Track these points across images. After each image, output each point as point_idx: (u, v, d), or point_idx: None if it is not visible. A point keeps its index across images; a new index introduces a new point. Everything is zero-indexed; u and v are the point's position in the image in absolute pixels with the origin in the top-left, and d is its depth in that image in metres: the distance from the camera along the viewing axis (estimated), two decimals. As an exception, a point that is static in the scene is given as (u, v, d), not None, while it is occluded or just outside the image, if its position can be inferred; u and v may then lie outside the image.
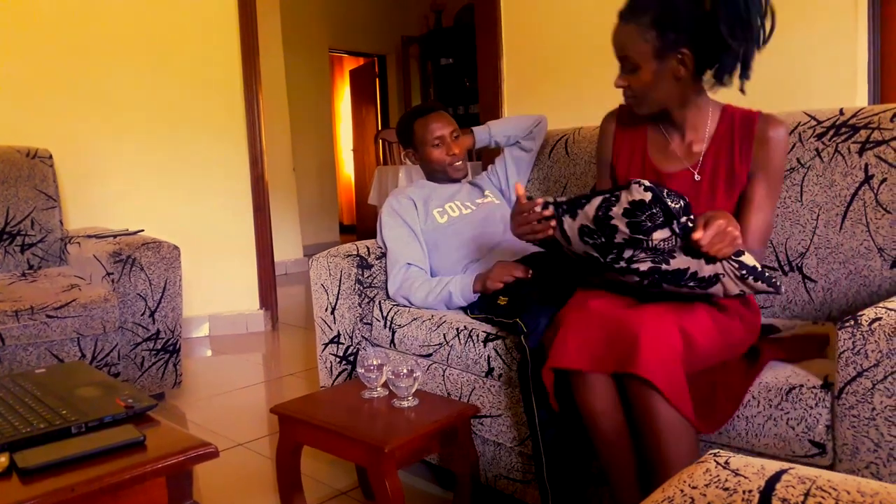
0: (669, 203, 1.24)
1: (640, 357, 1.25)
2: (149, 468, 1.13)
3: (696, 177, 1.51)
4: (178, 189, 3.68)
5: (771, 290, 1.32)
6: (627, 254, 1.34)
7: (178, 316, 2.67)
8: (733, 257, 1.28)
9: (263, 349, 3.62)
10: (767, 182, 1.47)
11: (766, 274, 1.31)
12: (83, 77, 3.41)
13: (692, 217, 1.27)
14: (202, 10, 3.67)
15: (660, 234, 1.28)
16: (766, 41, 1.40)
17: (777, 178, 1.48)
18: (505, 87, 3.56)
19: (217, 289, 3.80)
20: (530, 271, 1.81)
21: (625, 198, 1.27)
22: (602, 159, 1.71)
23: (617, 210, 1.28)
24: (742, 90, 1.42)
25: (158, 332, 2.61)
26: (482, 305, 1.88)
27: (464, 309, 1.97)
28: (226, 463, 2.13)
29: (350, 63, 8.82)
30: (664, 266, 1.32)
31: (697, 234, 1.24)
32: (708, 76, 1.46)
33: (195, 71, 3.67)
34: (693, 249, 1.28)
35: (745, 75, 1.40)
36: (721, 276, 1.31)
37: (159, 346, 2.61)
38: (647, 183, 1.25)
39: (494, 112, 3.57)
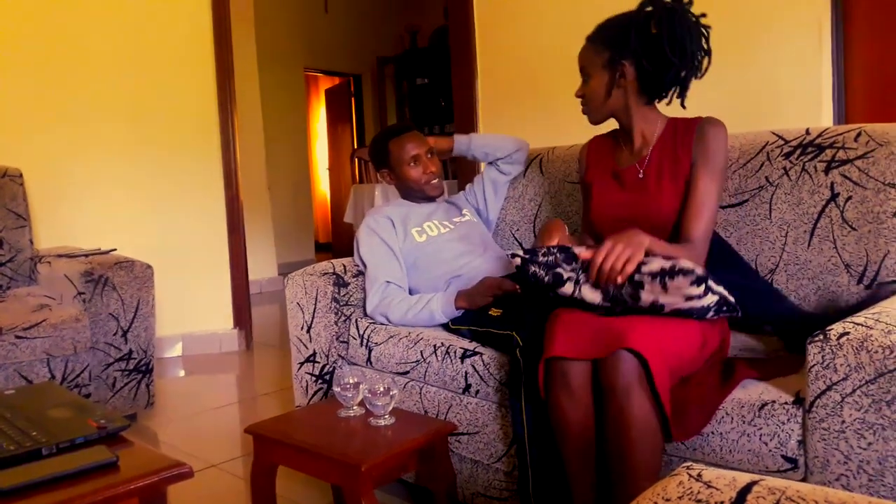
0: (541, 259, 1.48)
1: (631, 337, 1.31)
2: (122, 489, 1.12)
3: (640, 174, 1.69)
4: (152, 208, 3.65)
5: (694, 276, 1.37)
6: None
7: (151, 336, 2.64)
8: (640, 274, 1.38)
9: (237, 369, 3.58)
10: (707, 171, 1.61)
11: (679, 268, 1.37)
12: (55, 95, 3.38)
13: (578, 263, 1.47)
14: (176, 29, 3.66)
15: (564, 289, 1.48)
16: (702, 73, 1.64)
17: (717, 168, 1.62)
18: (480, 107, 3.60)
19: (190, 308, 3.75)
20: (518, 287, 1.83)
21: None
22: (580, 178, 1.91)
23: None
24: (683, 106, 1.64)
25: (131, 352, 2.57)
26: (469, 317, 1.88)
27: (444, 323, 1.97)
28: (200, 484, 2.09)
29: (326, 82, 8.84)
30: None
31: (587, 256, 1.46)
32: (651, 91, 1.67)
33: (169, 89, 3.65)
34: (598, 285, 1.45)
35: (682, 94, 1.64)
36: (657, 301, 1.40)
37: (132, 367, 2.58)
38: (519, 253, 1.52)
39: (470, 131, 3.60)
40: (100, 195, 3.51)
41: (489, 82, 3.56)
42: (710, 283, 1.39)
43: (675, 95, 1.65)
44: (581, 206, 2.01)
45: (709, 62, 1.64)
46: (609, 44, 1.63)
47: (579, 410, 1.40)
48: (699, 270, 1.38)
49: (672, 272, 1.38)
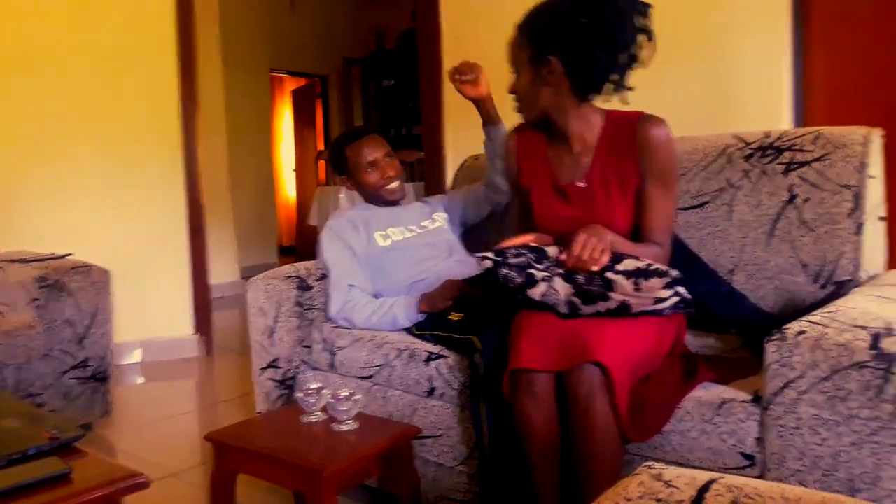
0: (512, 260, 1.44)
1: (596, 348, 1.31)
2: (74, 501, 1.08)
3: (582, 183, 1.58)
4: (109, 211, 3.56)
5: (669, 278, 1.38)
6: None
7: (109, 342, 2.58)
8: (613, 273, 1.37)
9: (198, 375, 3.52)
10: (659, 183, 1.55)
11: (654, 268, 1.38)
12: (7, 95, 3.29)
13: (550, 259, 1.45)
14: (138, 26, 3.59)
15: (535, 290, 1.43)
16: (644, 60, 1.50)
17: (668, 177, 1.56)
18: (447, 109, 3.59)
19: (150, 313, 3.68)
20: (479, 290, 1.82)
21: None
22: (510, 176, 1.80)
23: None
24: (625, 101, 1.52)
25: (87, 359, 2.51)
26: (431, 321, 1.87)
27: (407, 327, 1.96)
28: (157, 494, 2.04)
29: (291, 83, 8.76)
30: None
31: (563, 258, 1.42)
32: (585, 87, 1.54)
33: (129, 89, 3.58)
34: (571, 276, 1.41)
35: (619, 88, 1.51)
36: (626, 301, 1.39)
37: (88, 374, 2.51)
38: (489, 255, 1.45)
39: (437, 133, 3.60)
40: (55, 198, 3.42)
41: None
42: (678, 285, 1.41)
43: (613, 90, 1.52)
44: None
45: (652, 46, 1.48)
46: (533, 37, 1.51)
47: (544, 416, 1.40)
48: (673, 273, 1.40)
49: (647, 273, 1.38)
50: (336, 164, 2.19)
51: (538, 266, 1.45)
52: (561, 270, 1.44)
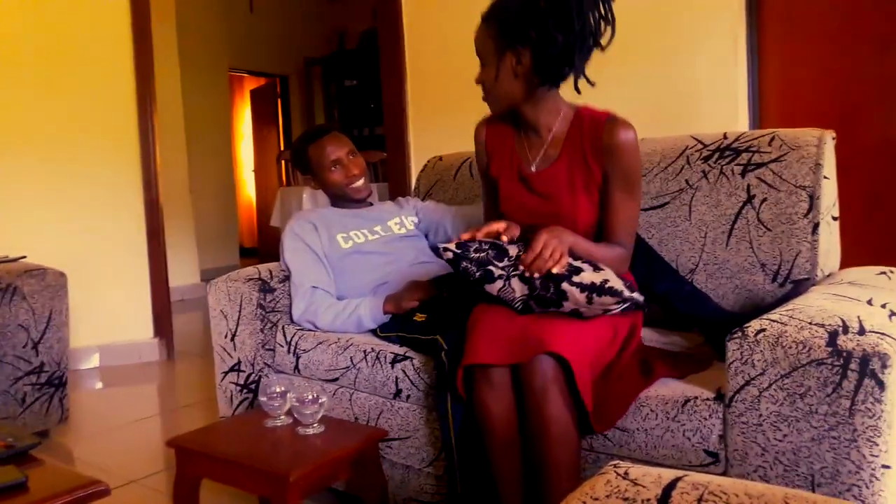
0: (472, 255, 1.46)
1: (551, 340, 1.33)
2: (30, 512, 1.05)
3: (550, 177, 1.59)
4: (65, 213, 3.47)
5: (621, 298, 1.40)
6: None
7: (65, 347, 2.51)
8: (569, 283, 1.39)
9: (158, 380, 3.45)
10: (623, 186, 1.55)
11: (608, 286, 1.39)
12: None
13: (510, 258, 1.46)
14: (92, 25, 3.50)
15: (493, 286, 1.46)
16: (604, 43, 1.48)
17: (632, 180, 1.56)
18: (410, 110, 3.59)
19: (108, 317, 3.60)
20: (444, 291, 1.82)
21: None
22: (480, 168, 1.80)
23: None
24: (577, 90, 1.49)
25: (42, 364, 2.44)
26: (396, 323, 1.86)
27: (373, 329, 1.95)
28: (118, 501, 1.99)
29: (251, 83, 8.65)
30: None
31: (513, 253, 1.45)
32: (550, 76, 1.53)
33: (83, 88, 3.49)
34: (527, 279, 1.43)
35: (577, 74, 1.48)
36: (578, 309, 1.42)
37: (43, 380, 2.44)
38: (451, 247, 1.48)
39: (400, 133, 3.59)
40: (7, 200, 3.32)
41: (419, 85, 3.56)
42: (633, 293, 1.43)
43: (574, 77, 1.51)
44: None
45: (612, 31, 1.48)
46: (502, 27, 1.50)
47: (502, 405, 1.43)
48: (626, 294, 1.41)
49: (601, 290, 1.39)
50: (299, 163, 2.17)
51: (497, 264, 1.47)
52: (519, 271, 1.45)
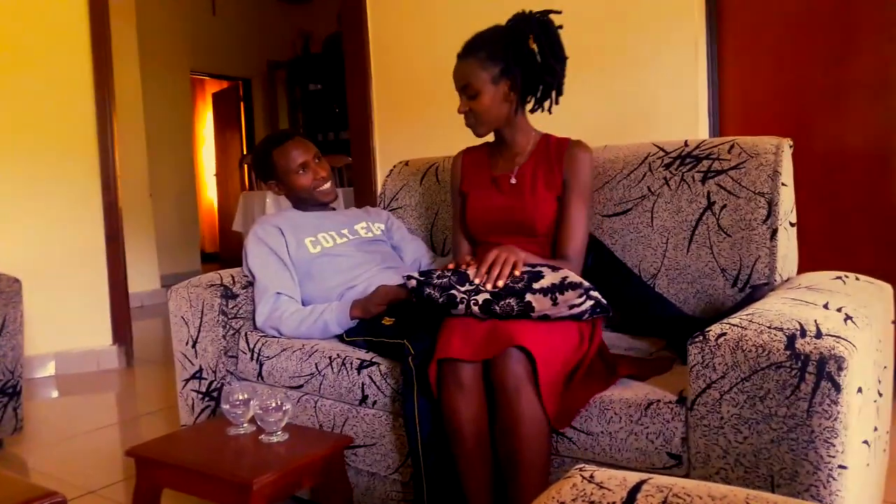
0: (435, 281, 1.53)
1: (520, 336, 1.38)
2: (-18, 525, 1.02)
3: (513, 180, 1.77)
4: (20, 217, 3.38)
5: (582, 289, 1.46)
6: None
7: (19, 355, 2.44)
8: (531, 293, 1.45)
9: (117, 388, 3.38)
10: (578, 197, 1.72)
11: (569, 282, 1.46)
12: None
13: (472, 283, 1.53)
14: (48, 24, 3.43)
15: (457, 311, 1.52)
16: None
17: (586, 193, 1.74)
18: (375, 114, 3.58)
19: (64, 324, 3.51)
20: (413, 296, 1.81)
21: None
22: (454, 188, 1.95)
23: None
24: (550, 111, 1.75)
25: (-5, 373, 2.37)
26: (363, 327, 1.85)
27: (338, 335, 1.93)
28: (74, 513, 1.95)
29: (213, 86, 8.54)
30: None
31: (473, 275, 1.53)
32: (530, 102, 1.77)
33: (40, 89, 3.41)
34: (489, 304, 1.49)
35: (556, 102, 1.74)
36: (545, 314, 1.47)
37: (-4, 389, 2.37)
38: (415, 275, 1.56)
39: (365, 138, 3.58)
40: (-41, 203, 3.23)
41: (384, 89, 3.55)
42: (592, 291, 1.48)
43: (550, 103, 1.74)
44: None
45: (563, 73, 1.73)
46: (496, 58, 1.67)
47: (472, 408, 1.44)
48: (586, 284, 1.47)
49: (563, 287, 1.46)
50: (261, 168, 2.14)
51: (459, 288, 1.52)
52: (481, 297, 1.50)
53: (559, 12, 1.70)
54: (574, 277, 1.48)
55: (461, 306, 1.51)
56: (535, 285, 1.47)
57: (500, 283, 1.49)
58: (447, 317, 1.58)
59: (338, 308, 1.89)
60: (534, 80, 1.70)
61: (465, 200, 1.86)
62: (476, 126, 1.76)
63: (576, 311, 1.47)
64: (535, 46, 1.65)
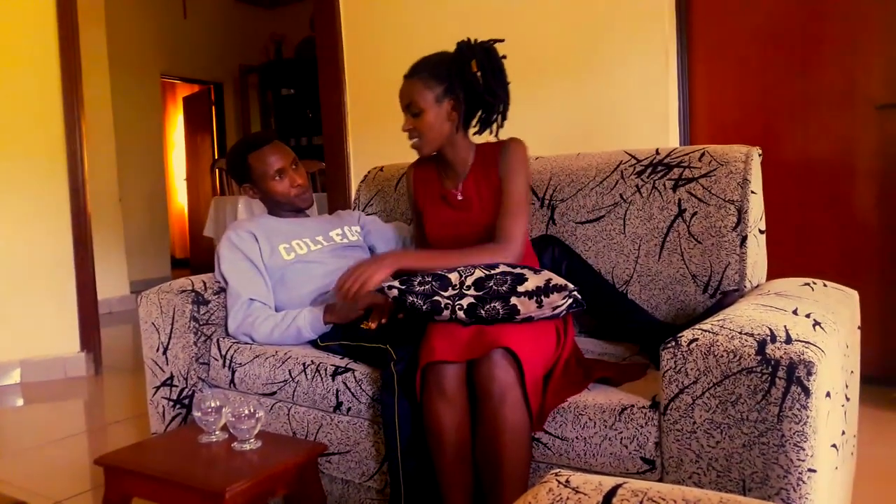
0: (417, 288, 1.52)
1: (505, 339, 1.38)
2: (-55, 538, 0.99)
3: (459, 196, 1.83)
4: (-16, 221, 3.32)
5: (567, 291, 1.47)
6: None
7: (-17, 362, 2.39)
8: (516, 297, 1.47)
9: (85, 395, 3.31)
10: (512, 177, 1.75)
11: (553, 284, 1.47)
12: None
13: (454, 285, 1.53)
14: (15, 26, 3.37)
15: (442, 317, 1.51)
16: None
17: (516, 177, 1.75)
18: (349, 119, 3.57)
19: (30, 330, 3.44)
20: (390, 300, 1.80)
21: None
22: (410, 201, 2.02)
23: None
24: (497, 136, 1.80)
25: (-42, 381, 2.31)
26: (340, 332, 1.84)
27: (312, 341, 1.92)
28: (40, 525, 1.91)
29: (184, 90, 8.45)
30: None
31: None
32: (475, 126, 1.83)
33: (6, 91, 3.35)
34: (474, 308, 1.49)
35: (501, 125, 1.79)
36: (529, 317, 1.48)
37: (-41, 398, 2.32)
38: (395, 284, 1.56)
39: (339, 143, 3.56)
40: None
41: (358, 94, 3.55)
42: (574, 291, 1.49)
43: (499, 124, 1.80)
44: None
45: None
46: (440, 78, 1.75)
47: (455, 416, 1.44)
48: (570, 286, 1.48)
49: (547, 289, 1.46)
50: (237, 172, 2.11)
51: (443, 293, 1.51)
52: (465, 301, 1.49)
53: (502, 41, 1.77)
54: (557, 279, 1.48)
55: (446, 312, 1.50)
56: (520, 288, 1.47)
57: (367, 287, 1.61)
58: (430, 322, 1.57)
59: (311, 313, 1.88)
60: (476, 101, 1.77)
61: (421, 217, 1.93)
62: (420, 146, 1.82)
63: (558, 311, 1.49)
64: (478, 71, 1.73)
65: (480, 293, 1.49)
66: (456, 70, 1.74)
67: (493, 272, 1.52)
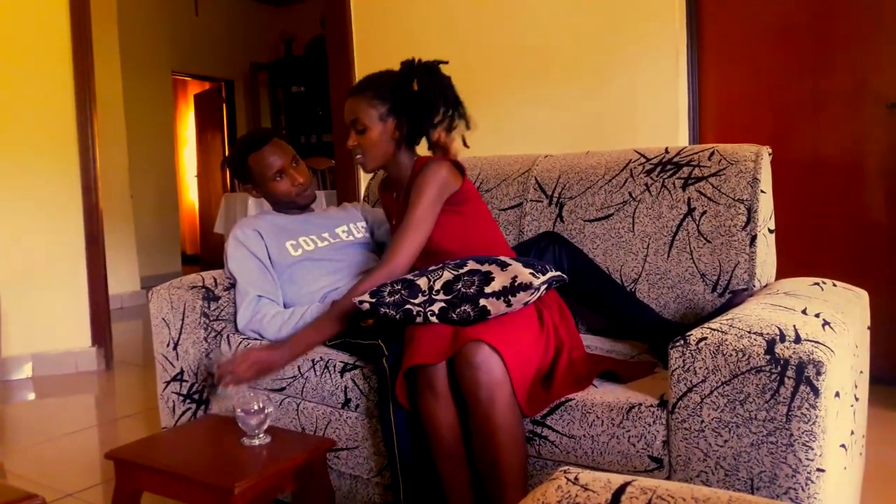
0: (388, 299, 1.54)
1: (484, 334, 1.40)
2: (-40, 529, 1.01)
3: (399, 215, 1.80)
4: (-1, 217, 3.35)
5: (533, 288, 1.46)
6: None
7: (-4, 356, 2.41)
8: (485, 298, 1.46)
9: (96, 390, 3.34)
10: (410, 200, 1.71)
11: (519, 283, 1.45)
12: None
13: (423, 291, 1.54)
14: (29, 24, 3.39)
15: (414, 324, 1.53)
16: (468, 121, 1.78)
17: (417, 198, 1.70)
18: (358, 118, 3.57)
19: (42, 325, 3.47)
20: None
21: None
22: (389, 222, 2.01)
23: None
24: (466, 145, 1.80)
25: (-29, 375, 2.33)
26: (344, 329, 1.84)
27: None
28: (52, 517, 1.93)
29: (195, 87, 8.48)
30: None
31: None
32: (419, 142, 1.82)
33: (20, 89, 3.37)
34: (445, 312, 1.50)
35: (434, 144, 1.78)
36: (501, 314, 1.49)
37: (-28, 391, 2.34)
38: (366, 298, 1.56)
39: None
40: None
41: (366, 93, 3.54)
42: (542, 285, 1.48)
43: (429, 144, 1.79)
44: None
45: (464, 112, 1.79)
46: (384, 98, 1.77)
47: (449, 414, 1.46)
48: (537, 283, 1.46)
49: (514, 289, 1.45)
50: (239, 173, 2.11)
51: (413, 301, 1.52)
52: (436, 306, 1.50)
53: (446, 62, 1.79)
54: (523, 276, 1.46)
55: (419, 319, 1.52)
56: (487, 289, 1.46)
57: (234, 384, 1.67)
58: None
59: (318, 309, 1.88)
60: (421, 118, 1.76)
61: None
62: (364, 162, 1.83)
63: (531, 301, 1.49)
64: (417, 90, 1.74)
65: (449, 297, 1.49)
66: (398, 90, 1.77)
67: (460, 272, 1.52)
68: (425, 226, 1.70)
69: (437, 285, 1.51)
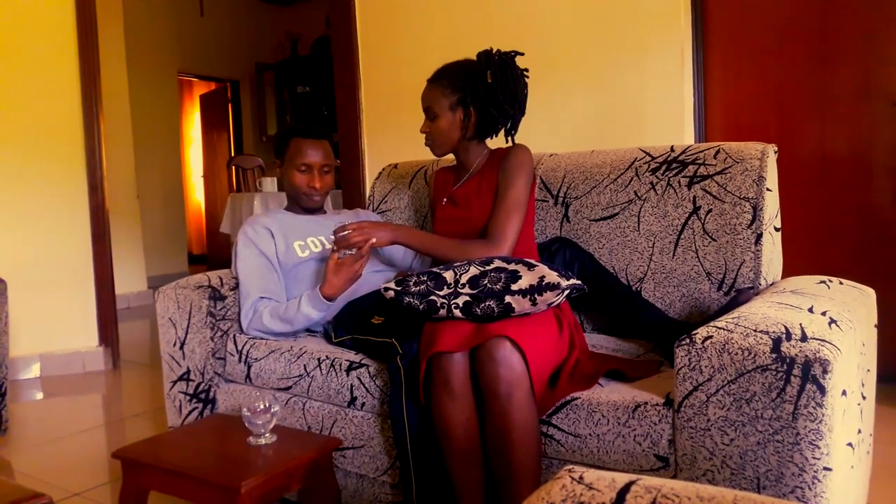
0: (413, 289, 1.55)
1: (507, 330, 1.40)
2: (-31, 527, 1.01)
3: (467, 189, 1.89)
4: (6, 217, 3.36)
5: (560, 290, 1.46)
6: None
7: (4, 356, 2.42)
8: (510, 294, 1.47)
9: (103, 389, 3.35)
10: (504, 181, 1.79)
11: (546, 282, 1.45)
12: None
13: (449, 284, 1.55)
14: (35, 24, 3.40)
15: (438, 315, 1.53)
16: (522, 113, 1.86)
17: (511, 178, 1.78)
18: (364, 117, 3.58)
19: (50, 325, 3.48)
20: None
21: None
22: (430, 203, 2.13)
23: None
24: (510, 141, 1.87)
25: (-21, 374, 2.35)
26: (352, 328, 1.85)
27: (327, 336, 1.93)
28: (60, 516, 1.94)
29: (201, 87, 8.50)
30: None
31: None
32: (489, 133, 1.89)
33: (27, 90, 3.39)
34: (469, 305, 1.51)
35: (511, 133, 1.87)
36: (524, 313, 1.49)
37: (-20, 391, 2.35)
38: (391, 286, 1.61)
39: (354, 140, 3.58)
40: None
41: (373, 92, 3.56)
42: (567, 290, 1.47)
43: (506, 134, 1.87)
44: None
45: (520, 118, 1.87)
46: (456, 88, 1.83)
47: (463, 412, 1.45)
48: (564, 284, 1.46)
49: (541, 288, 1.46)
50: (278, 144, 2.14)
51: (438, 293, 1.53)
52: (461, 300, 1.50)
53: (522, 54, 1.84)
54: (551, 276, 1.47)
55: (442, 311, 1.52)
56: (514, 286, 1.47)
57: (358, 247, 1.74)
58: (427, 322, 1.58)
59: (307, 297, 1.87)
60: (488, 112, 1.81)
61: (434, 212, 2.01)
62: (433, 146, 1.90)
63: (554, 304, 1.49)
64: (491, 82, 1.78)
65: (475, 291, 1.49)
66: (471, 82, 1.80)
67: (487, 269, 1.52)
68: (523, 206, 1.78)
69: (464, 279, 1.52)
